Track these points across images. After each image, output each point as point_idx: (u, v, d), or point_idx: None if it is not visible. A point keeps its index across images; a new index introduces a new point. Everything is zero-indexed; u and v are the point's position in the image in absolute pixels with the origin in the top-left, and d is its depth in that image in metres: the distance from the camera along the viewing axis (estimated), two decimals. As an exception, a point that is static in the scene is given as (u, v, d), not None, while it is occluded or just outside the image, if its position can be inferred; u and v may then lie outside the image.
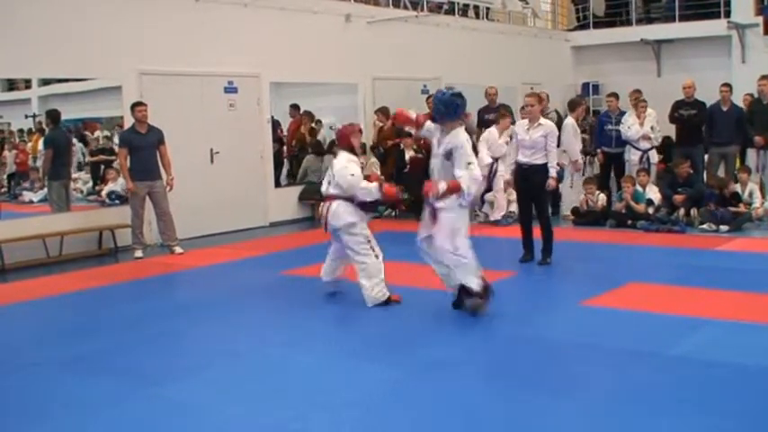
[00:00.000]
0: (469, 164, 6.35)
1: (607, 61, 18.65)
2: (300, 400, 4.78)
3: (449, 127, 6.43)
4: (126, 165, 9.94)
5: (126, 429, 4.47)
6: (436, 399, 4.74)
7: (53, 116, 11.06)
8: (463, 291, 6.63)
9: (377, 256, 6.91)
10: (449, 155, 6.39)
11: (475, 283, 6.50)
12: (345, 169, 6.93)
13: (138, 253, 9.97)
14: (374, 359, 5.55)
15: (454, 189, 6.32)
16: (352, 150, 7.14)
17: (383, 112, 13.54)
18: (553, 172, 8.46)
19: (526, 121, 8.68)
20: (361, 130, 7.58)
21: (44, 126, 11.58)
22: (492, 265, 8.50)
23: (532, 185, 8.56)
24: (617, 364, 5.32)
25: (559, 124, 12.25)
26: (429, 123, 6.66)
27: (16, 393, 5.15)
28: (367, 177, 7.47)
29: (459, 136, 6.38)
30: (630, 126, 11.88)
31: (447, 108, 6.44)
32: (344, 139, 7.25)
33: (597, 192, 11.43)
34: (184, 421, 4.56)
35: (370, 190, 6.97)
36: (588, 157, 12.75)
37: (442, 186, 6.35)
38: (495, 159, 12.08)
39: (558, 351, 5.65)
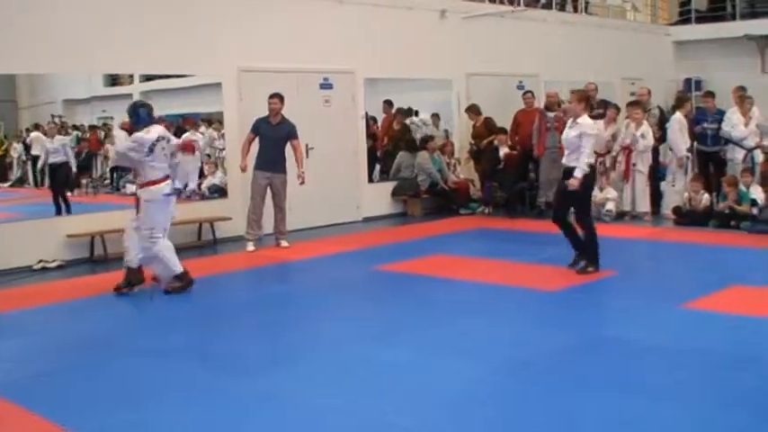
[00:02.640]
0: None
1: (710, 57, 18.02)
2: (389, 396, 4.76)
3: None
4: (247, 146, 10.03)
5: (220, 418, 4.53)
6: (522, 399, 4.67)
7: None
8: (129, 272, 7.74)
9: None
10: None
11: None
12: None
13: (250, 246, 9.97)
14: (464, 357, 5.48)
15: (189, 147, 7.69)
16: None
17: (473, 110, 13.44)
18: (578, 173, 7.70)
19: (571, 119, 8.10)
20: None
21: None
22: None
23: (566, 188, 7.86)
24: (714, 368, 5.13)
25: (661, 120, 11.98)
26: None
27: (116, 380, 5.28)
28: None
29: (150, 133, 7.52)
30: (735, 125, 11.44)
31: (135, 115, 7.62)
32: None
33: (702, 191, 11.03)
34: (276, 411, 4.60)
35: None
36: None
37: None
38: (601, 155, 11.52)
39: (653, 353, 5.46)
